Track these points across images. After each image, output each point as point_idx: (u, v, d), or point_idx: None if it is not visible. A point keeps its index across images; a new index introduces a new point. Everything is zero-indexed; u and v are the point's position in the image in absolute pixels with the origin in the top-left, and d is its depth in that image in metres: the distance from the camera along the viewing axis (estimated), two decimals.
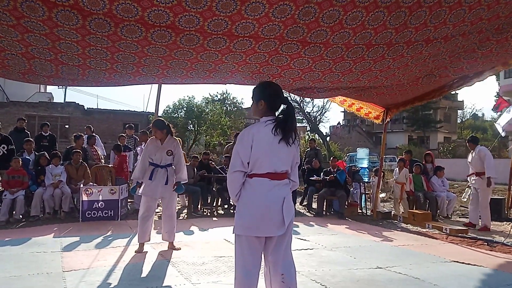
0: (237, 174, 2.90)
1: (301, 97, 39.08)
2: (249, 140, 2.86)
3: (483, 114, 64.07)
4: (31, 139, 9.65)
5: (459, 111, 52.88)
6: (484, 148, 8.74)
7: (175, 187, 5.83)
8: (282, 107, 3.03)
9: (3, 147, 9.09)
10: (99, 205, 8.24)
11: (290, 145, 2.94)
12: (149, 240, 5.93)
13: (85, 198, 8.17)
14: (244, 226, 2.88)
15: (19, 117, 10.87)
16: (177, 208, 9.69)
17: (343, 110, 47.50)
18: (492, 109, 53.55)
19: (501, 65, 6.43)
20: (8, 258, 5.23)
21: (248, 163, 2.88)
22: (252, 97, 3.09)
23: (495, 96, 43.78)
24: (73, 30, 4.08)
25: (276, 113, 3.01)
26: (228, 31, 4.27)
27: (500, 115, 13.30)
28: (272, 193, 2.90)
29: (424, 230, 8.15)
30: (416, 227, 8.41)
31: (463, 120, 57.21)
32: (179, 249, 5.87)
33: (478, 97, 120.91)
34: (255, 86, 3.14)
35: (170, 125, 6.03)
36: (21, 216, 8.06)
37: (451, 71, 6.45)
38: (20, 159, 8.51)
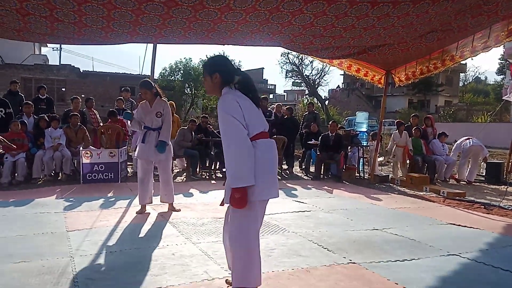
0: (248, 139, 2.72)
1: (300, 60, 38.90)
2: (235, 103, 2.75)
3: (486, 78, 63.57)
4: (30, 102, 9.61)
5: (462, 74, 52.10)
6: None
7: (157, 145, 5.73)
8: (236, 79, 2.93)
9: (1, 111, 9.05)
10: (99, 167, 8.32)
11: (259, 109, 2.94)
12: (151, 202, 6.01)
13: (85, 160, 8.23)
14: (262, 190, 2.76)
15: (12, 80, 10.74)
16: (176, 171, 9.81)
17: (342, 73, 47.03)
18: (495, 73, 53.06)
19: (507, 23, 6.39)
20: (13, 218, 5.33)
21: (247, 125, 2.76)
22: (203, 74, 3.02)
23: (500, 59, 43.41)
24: None
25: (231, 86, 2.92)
26: None
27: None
28: (273, 152, 2.91)
29: (422, 193, 8.22)
30: (414, 191, 8.48)
31: (465, 83, 56.64)
32: (179, 210, 5.96)
33: (481, 60, 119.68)
34: (204, 62, 3.10)
35: (157, 86, 5.97)
36: (23, 178, 8.13)
37: (455, 27, 6.36)
38: (19, 122, 8.51)
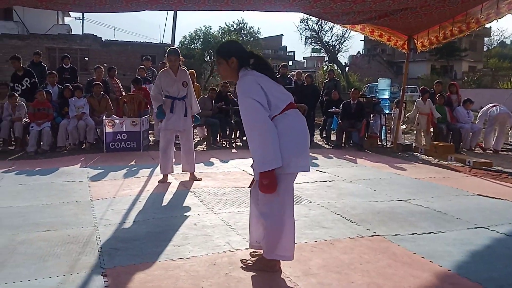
0: (270, 121, 2.66)
1: (320, 26, 38.20)
2: (256, 84, 2.72)
3: (511, 42, 61.30)
4: (54, 72, 9.71)
5: (486, 39, 50.56)
6: None
7: (192, 119, 5.89)
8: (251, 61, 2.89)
9: (26, 81, 9.20)
10: (122, 136, 8.40)
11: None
12: (172, 172, 6.04)
13: (108, 129, 8.32)
14: (289, 162, 2.70)
15: (35, 51, 10.82)
16: (196, 139, 9.84)
17: (363, 39, 46.08)
18: None
19: None
20: (39, 187, 5.44)
21: (270, 106, 2.72)
22: (218, 59, 2.97)
23: None
24: None
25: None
26: None
27: None
28: (303, 123, 2.86)
29: (446, 162, 8.07)
30: (438, 160, 8.33)
31: (490, 48, 55.03)
32: (200, 179, 5.99)
33: (507, 23, 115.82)
34: (218, 48, 3.03)
35: None
36: (48, 147, 8.26)
37: None
38: (44, 91, 8.60)
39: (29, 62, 10.55)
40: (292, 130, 2.73)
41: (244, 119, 2.73)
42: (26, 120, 8.42)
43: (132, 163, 7.25)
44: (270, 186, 2.63)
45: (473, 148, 9.92)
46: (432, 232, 3.93)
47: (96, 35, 27.91)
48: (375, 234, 3.85)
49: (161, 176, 5.90)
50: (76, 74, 10.68)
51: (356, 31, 9.39)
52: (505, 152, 9.71)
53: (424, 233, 3.92)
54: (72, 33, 30.97)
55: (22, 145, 8.39)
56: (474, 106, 10.46)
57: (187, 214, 4.38)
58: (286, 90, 2.91)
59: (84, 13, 28.49)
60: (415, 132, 10.89)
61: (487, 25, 8.26)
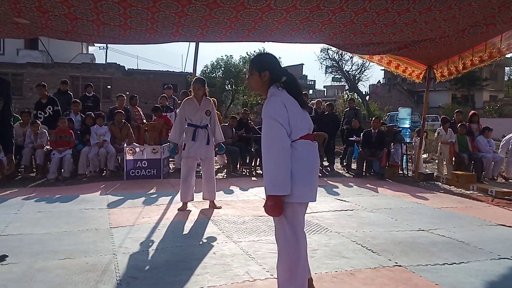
0: (289, 145, 2.67)
1: (340, 55, 38.44)
2: (282, 105, 2.70)
3: None
4: (78, 101, 9.88)
5: (507, 68, 50.27)
6: None
7: (216, 148, 5.93)
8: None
9: (49, 108, 9.39)
10: (143, 164, 8.45)
11: (306, 111, 2.90)
12: (193, 200, 6.03)
13: (129, 157, 8.38)
14: (301, 192, 2.69)
15: (63, 79, 11.08)
16: (216, 167, 9.86)
17: (383, 68, 46.06)
18: None
19: None
20: (59, 214, 5.48)
21: (290, 130, 2.72)
22: (251, 69, 2.93)
23: None
24: None
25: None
26: None
27: None
28: (316, 155, 2.84)
29: (468, 192, 7.95)
30: (460, 189, 8.20)
31: (511, 77, 54.70)
32: (220, 207, 5.98)
33: None
34: (253, 57, 3.03)
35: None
36: (69, 174, 8.36)
37: (499, 21, 6.11)
38: (66, 119, 8.75)
39: (55, 89, 10.78)
40: (302, 160, 2.71)
41: (264, 139, 2.72)
42: (48, 147, 8.55)
43: (152, 190, 7.28)
44: (274, 209, 2.63)
45: (495, 178, 9.75)
46: (455, 263, 3.85)
47: (119, 64, 28.52)
48: (396, 264, 3.78)
49: (180, 204, 5.91)
50: (98, 102, 10.88)
51: (373, 62, 9.46)
52: None
53: (447, 263, 3.84)
54: (96, 61, 31.69)
55: (43, 172, 8.48)
56: (496, 135, 10.35)
57: (206, 242, 4.37)
58: (309, 118, 2.90)
59: (108, 44, 29.09)
60: (437, 161, 10.76)
61: (508, 55, 8.27)
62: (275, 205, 2.62)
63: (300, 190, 2.68)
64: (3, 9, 4.78)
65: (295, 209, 2.73)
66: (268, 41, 6.61)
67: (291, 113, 2.71)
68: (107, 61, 31.76)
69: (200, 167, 6.17)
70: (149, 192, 7.09)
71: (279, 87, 2.81)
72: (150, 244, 4.29)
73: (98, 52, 44.01)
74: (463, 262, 3.87)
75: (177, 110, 10.17)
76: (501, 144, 10.24)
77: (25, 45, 27.92)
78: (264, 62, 2.91)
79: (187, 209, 5.87)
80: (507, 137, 10.18)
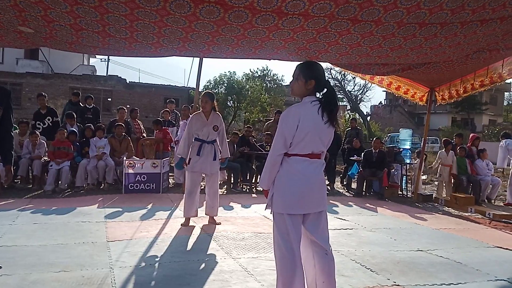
0: (280, 157, 2.85)
1: (343, 75, 38.70)
2: (296, 120, 2.77)
3: None
4: (73, 113, 9.63)
5: (506, 93, 50.78)
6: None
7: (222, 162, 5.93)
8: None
9: (48, 119, 9.37)
10: (142, 177, 8.41)
11: (334, 127, 2.90)
12: (196, 216, 5.95)
13: (128, 170, 8.35)
14: (286, 204, 2.81)
15: (74, 91, 11.07)
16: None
17: (384, 90, 46.28)
18: None
19: None
20: (55, 226, 5.42)
21: (291, 144, 2.81)
22: (297, 75, 2.94)
23: None
24: (122, 3, 4.11)
25: (317, 95, 2.92)
26: (278, 8, 4.22)
27: None
28: (310, 171, 2.85)
29: (467, 214, 7.98)
30: (458, 211, 8.22)
31: (510, 102, 55.13)
32: (219, 223, 5.94)
33: None
34: (302, 63, 3.02)
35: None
36: (66, 186, 8.31)
37: (502, 47, 6.21)
38: (65, 130, 8.74)
39: (57, 100, 10.80)
40: (292, 174, 2.84)
41: (273, 141, 2.94)
42: (46, 158, 8.49)
43: (150, 205, 7.22)
44: (265, 194, 2.99)
45: (493, 201, 9.76)
46: (452, 284, 3.86)
47: (120, 77, 28.53)
48: (395, 284, 3.77)
49: (182, 219, 5.85)
50: (98, 114, 10.83)
51: (374, 83, 9.53)
52: None
53: (444, 284, 3.85)
54: (97, 73, 31.72)
55: (40, 183, 8.36)
56: (493, 158, 10.39)
57: (204, 258, 4.33)
58: (326, 139, 2.91)
59: (111, 56, 29.22)
60: (436, 183, 10.76)
61: (508, 80, 8.36)
62: (265, 194, 2.99)
63: (287, 202, 2.82)
64: (8, 17, 4.80)
65: (285, 220, 2.83)
66: (273, 59, 6.66)
67: (301, 130, 2.78)
68: (108, 73, 31.85)
69: (205, 182, 6.11)
70: (148, 207, 7.04)
71: (315, 99, 2.87)
72: (148, 258, 4.26)
73: (100, 64, 44.26)
74: (460, 283, 3.88)
75: (180, 123, 10.20)
76: (500, 147, 10.21)
77: (25, 55, 27.99)
78: (314, 71, 2.94)
79: (189, 224, 5.81)
80: (506, 141, 10.10)
